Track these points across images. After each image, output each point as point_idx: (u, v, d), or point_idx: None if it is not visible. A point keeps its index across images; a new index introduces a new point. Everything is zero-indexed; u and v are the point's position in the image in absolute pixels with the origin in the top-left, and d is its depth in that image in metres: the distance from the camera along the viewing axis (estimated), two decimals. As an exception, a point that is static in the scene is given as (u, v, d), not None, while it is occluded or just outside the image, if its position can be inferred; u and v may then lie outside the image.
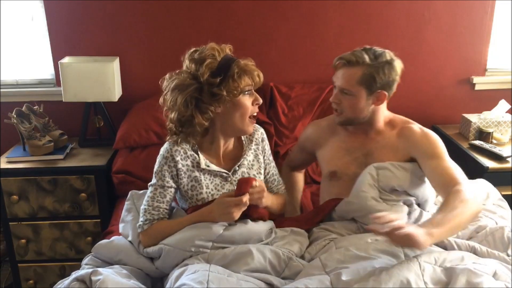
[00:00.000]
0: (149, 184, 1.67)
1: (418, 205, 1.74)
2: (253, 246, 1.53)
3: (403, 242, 1.30)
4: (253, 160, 1.75)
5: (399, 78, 1.73)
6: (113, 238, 1.72)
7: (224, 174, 1.68)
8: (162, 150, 1.67)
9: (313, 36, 2.65)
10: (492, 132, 2.46)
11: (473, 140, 2.48)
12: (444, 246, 1.53)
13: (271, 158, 1.84)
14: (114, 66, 2.40)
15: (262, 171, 1.78)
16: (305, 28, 2.63)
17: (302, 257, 1.60)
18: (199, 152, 1.67)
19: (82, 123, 2.54)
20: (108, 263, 1.63)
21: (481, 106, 2.68)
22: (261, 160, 1.78)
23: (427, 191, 1.73)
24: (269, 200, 1.68)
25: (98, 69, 2.37)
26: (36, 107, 2.47)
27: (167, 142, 1.67)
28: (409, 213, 1.69)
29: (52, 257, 2.41)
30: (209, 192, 1.66)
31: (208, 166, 1.66)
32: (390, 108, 1.85)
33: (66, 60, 2.50)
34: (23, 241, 2.36)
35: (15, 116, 2.35)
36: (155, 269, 1.60)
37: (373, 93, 1.70)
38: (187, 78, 1.57)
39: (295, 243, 1.62)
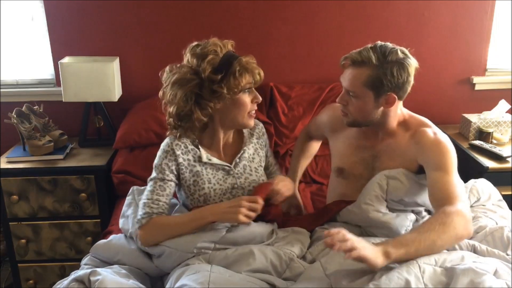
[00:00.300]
0: (148, 179, 1.65)
1: (428, 211, 1.71)
2: (255, 247, 1.53)
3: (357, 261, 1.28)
4: (254, 154, 1.75)
5: (412, 79, 1.61)
6: (111, 237, 1.71)
7: (226, 167, 1.68)
8: (163, 144, 1.66)
9: (313, 36, 2.65)
10: (492, 132, 2.46)
11: (473, 140, 2.48)
12: None
13: (270, 151, 1.88)
14: (114, 66, 2.40)
15: (263, 165, 1.78)
16: (305, 28, 2.63)
17: (304, 257, 1.59)
18: (199, 147, 1.66)
19: (82, 123, 2.54)
20: (107, 263, 1.62)
21: (481, 106, 2.68)
22: (262, 154, 1.79)
23: None
24: (291, 189, 1.73)
25: (98, 69, 2.37)
26: (36, 107, 2.47)
27: (168, 137, 1.67)
28: (416, 220, 1.67)
29: (52, 257, 2.41)
30: (211, 187, 1.65)
31: (210, 159, 1.65)
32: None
33: (66, 60, 2.50)
34: (23, 241, 2.36)
35: (15, 116, 2.35)
36: (154, 268, 1.59)
37: (381, 96, 1.59)
38: (188, 73, 1.57)
39: (296, 243, 1.61)
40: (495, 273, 1.34)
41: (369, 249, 1.28)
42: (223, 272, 1.42)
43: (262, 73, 1.61)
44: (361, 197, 1.67)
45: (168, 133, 1.67)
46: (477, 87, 2.75)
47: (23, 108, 2.43)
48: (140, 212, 1.59)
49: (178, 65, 1.61)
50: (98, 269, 1.45)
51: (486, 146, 2.37)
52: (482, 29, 2.67)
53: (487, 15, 2.64)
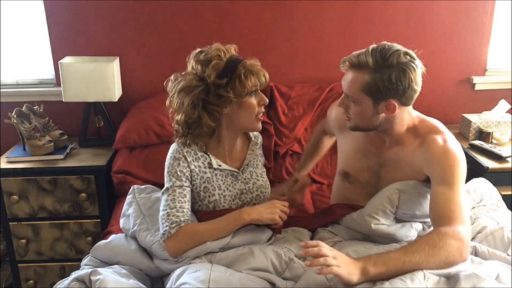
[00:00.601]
0: (162, 191, 1.59)
1: None
2: (255, 246, 1.53)
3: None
4: (258, 160, 1.77)
5: (418, 85, 1.49)
6: (111, 238, 1.70)
7: (235, 173, 1.68)
8: (172, 152, 1.63)
9: (313, 36, 2.65)
10: (492, 132, 2.46)
11: (473, 140, 2.48)
12: None
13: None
14: (114, 66, 2.40)
15: (265, 171, 1.79)
16: (305, 28, 2.63)
17: (304, 258, 1.58)
18: (208, 153, 1.66)
19: (82, 123, 2.54)
20: (107, 263, 1.62)
21: (481, 106, 2.68)
22: (262, 161, 1.80)
23: None
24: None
25: (98, 69, 2.37)
26: (36, 107, 2.47)
27: (175, 144, 1.64)
28: (423, 229, 1.63)
29: (52, 257, 2.41)
30: (222, 193, 1.64)
31: (220, 165, 1.65)
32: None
33: (66, 60, 2.50)
34: (23, 241, 2.36)
35: (15, 116, 2.35)
36: (154, 269, 1.59)
37: (380, 102, 1.48)
38: (193, 79, 1.56)
39: (295, 241, 1.62)
40: (497, 277, 1.34)
41: (344, 266, 1.27)
42: (224, 271, 1.43)
43: (267, 75, 1.60)
44: (367, 208, 1.61)
45: (176, 139, 1.64)
46: (477, 87, 2.75)
47: (23, 108, 2.43)
48: (166, 223, 1.52)
49: (183, 73, 1.60)
50: (99, 269, 1.45)
51: (486, 146, 2.37)
52: (482, 29, 2.67)
53: (487, 15, 2.64)
